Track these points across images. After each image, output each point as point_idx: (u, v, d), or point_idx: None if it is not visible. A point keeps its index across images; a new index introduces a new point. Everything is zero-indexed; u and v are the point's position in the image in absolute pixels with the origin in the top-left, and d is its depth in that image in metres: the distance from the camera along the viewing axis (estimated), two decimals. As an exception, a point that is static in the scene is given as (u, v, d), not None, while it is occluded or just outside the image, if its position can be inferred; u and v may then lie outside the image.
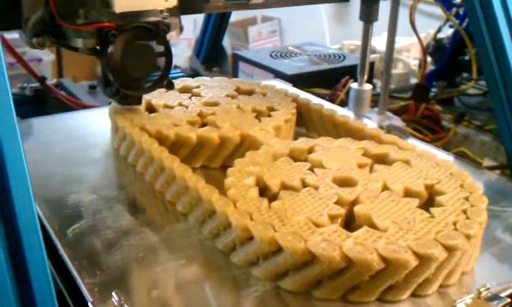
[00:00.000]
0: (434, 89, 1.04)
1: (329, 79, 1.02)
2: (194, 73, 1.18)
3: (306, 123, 0.69)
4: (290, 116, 0.65)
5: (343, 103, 0.88)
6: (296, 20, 2.23)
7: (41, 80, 0.83)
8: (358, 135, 0.61)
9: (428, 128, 0.95)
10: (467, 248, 0.41)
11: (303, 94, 0.74)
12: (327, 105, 0.68)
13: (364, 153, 0.54)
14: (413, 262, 0.38)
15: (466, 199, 0.46)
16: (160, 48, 0.61)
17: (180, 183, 0.49)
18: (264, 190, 0.48)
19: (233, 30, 2.37)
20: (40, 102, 0.93)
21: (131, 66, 0.59)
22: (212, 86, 0.72)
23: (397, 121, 0.84)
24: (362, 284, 0.39)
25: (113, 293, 0.38)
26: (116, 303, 0.37)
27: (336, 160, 0.53)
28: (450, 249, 0.40)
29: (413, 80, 1.12)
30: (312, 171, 0.50)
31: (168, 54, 0.61)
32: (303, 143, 0.56)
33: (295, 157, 0.54)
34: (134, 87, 0.60)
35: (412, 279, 0.39)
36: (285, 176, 0.49)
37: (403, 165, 0.52)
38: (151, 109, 0.65)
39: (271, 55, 1.17)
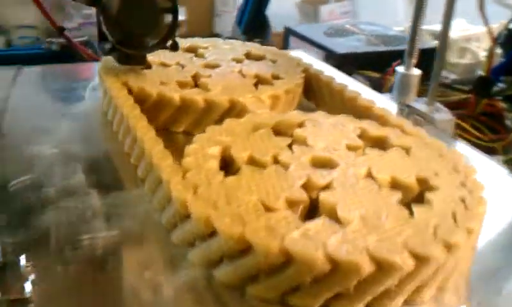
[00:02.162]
0: (500, 84, 0.92)
1: (383, 62, 0.93)
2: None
3: (316, 97, 0.62)
4: (293, 86, 0.58)
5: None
6: (372, 1, 2.12)
7: (61, 29, 0.81)
8: (365, 113, 0.53)
9: (488, 127, 0.85)
10: (446, 261, 0.34)
11: (320, 67, 0.66)
12: (361, 89, 0.60)
13: (361, 133, 0.47)
14: (368, 268, 0.31)
15: (463, 200, 0.38)
16: (167, 4, 0.56)
17: (139, 144, 0.44)
18: (229, 164, 0.43)
19: (304, 7, 2.28)
20: (67, 57, 0.91)
21: (128, 20, 0.54)
22: (221, 48, 0.67)
23: (447, 115, 0.73)
24: (304, 287, 0.32)
25: (22, 257, 0.34)
26: (22, 268, 0.33)
27: (325, 138, 0.45)
28: (420, 259, 0.32)
29: (481, 72, 1.01)
30: (291, 148, 0.44)
31: (174, 10, 0.56)
32: (293, 116, 0.49)
33: (281, 130, 0.48)
34: (133, 45, 0.56)
35: (366, 289, 0.32)
36: (257, 150, 0.43)
37: (401, 152, 0.44)
38: (146, 65, 0.60)
39: (325, 33, 1.09)
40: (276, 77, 0.59)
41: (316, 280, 0.32)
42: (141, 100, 0.52)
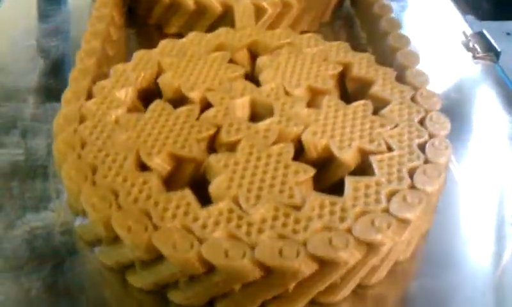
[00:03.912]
0: None
1: None
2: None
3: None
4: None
5: None
6: None
7: None
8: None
9: None
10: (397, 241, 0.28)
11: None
12: None
13: (342, 72, 0.38)
14: (309, 270, 0.26)
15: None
16: None
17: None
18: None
19: None
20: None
21: None
22: None
23: None
24: (234, 293, 0.27)
25: None
26: None
27: (288, 73, 0.37)
28: (369, 247, 0.26)
29: None
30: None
31: None
32: (273, 36, 0.41)
33: (256, 52, 0.40)
34: None
35: (308, 287, 0.26)
36: (188, 82, 0.36)
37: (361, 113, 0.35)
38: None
39: None
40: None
41: (248, 285, 0.26)
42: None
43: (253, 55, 0.41)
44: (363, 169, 0.31)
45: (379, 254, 0.27)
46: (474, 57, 0.46)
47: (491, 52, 0.46)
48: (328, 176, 0.32)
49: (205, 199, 0.29)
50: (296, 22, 0.48)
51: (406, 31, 0.43)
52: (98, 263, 0.30)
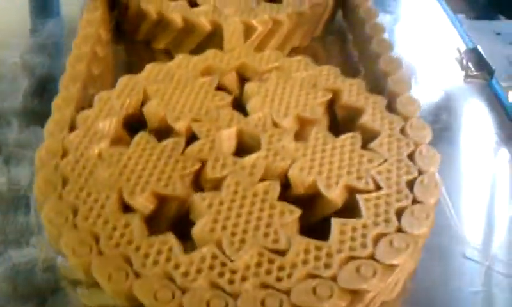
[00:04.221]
0: None
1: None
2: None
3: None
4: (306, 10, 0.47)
5: None
6: None
7: None
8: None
9: None
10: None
11: None
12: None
13: (331, 101, 0.37)
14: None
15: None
16: None
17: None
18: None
19: None
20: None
21: None
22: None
23: None
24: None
25: None
26: None
27: (276, 101, 0.36)
28: (352, 295, 0.26)
29: None
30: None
31: None
32: (261, 59, 0.40)
33: (245, 75, 0.40)
34: None
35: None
36: (173, 111, 0.35)
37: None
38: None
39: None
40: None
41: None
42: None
43: (242, 78, 0.40)
44: (350, 206, 0.31)
45: (364, 301, 0.27)
46: (467, 76, 0.46)
47: (485, 71, 0.46)
48: (314, 213, 0.31)
49: (188, 235, 0.29)
50: (286, 38, 0.47)
51: (398, 46, 0.42)
52: (81, 303, 0.29)
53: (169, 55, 0.47)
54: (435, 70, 0.47)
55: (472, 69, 0.46)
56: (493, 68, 0.46)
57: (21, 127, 0.40)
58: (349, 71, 0.46)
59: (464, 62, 0.46)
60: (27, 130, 0.39)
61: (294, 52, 0.48)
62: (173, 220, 0.31)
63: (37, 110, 0.41)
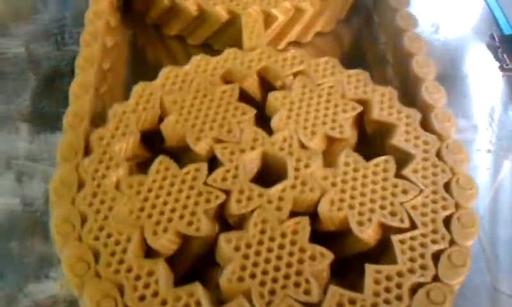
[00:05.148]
0: None
1: None
2: None
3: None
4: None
5: None
6: None
7: None
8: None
9: None
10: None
11: None
12: None
13: (360, 114, 0.34)
14: None
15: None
16: None
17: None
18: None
19: None
20: None
21: None
22: None
23: None
24: None
25: None
26: None
27: (302, 115, 0.34)
28: None
29: None
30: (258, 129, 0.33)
31: None
32: (285, 61, 0.37)
33: (267, 79, 0.37)
34: None
35: None
36: (193, 130, 0.33)
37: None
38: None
39: None
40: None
41: None
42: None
43: (264, 81, 0.38)
44: (382, 242, 0.29)
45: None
46: (502, 69, 0.43)
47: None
48: (344, 249, 0.30)
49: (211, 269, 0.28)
50: (310, 24, 0.44)
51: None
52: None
53: (182, 40, 0.45)
54: (466, 60, 0.44)
55: (508, 61, 0.43)
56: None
57: (31, 134, 0.38)
58: (376, 57, 0.44)
59: (499, 53, 0.43)
60: (37, 139, 0.37)
61: (317, 36, 0.45)
62: (196, 257, 0.30)
63: (47, 114, 0.39)
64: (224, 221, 0.31)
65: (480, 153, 0.39)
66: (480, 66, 0.43)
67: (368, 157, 0.32)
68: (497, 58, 0.43)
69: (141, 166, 0.34)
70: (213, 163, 0.32)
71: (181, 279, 0.28)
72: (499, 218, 0.36)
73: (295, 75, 0.37)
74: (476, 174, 0.36)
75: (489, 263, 0.33)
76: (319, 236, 0.29)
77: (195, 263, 0.30)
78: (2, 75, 0.41)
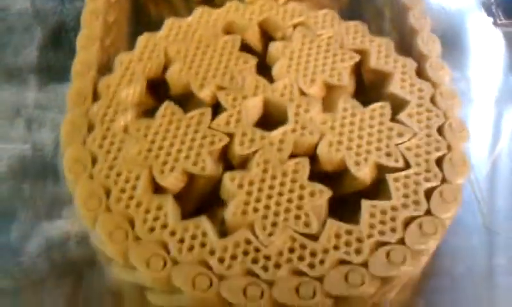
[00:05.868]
0: None
1: None
2: None
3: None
4: None
5: None
6: None
7: None
8: None
9: None
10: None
11: None
12: None
13: (358, 63, 0.36)
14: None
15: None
16: None
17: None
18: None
19: None
20: None
21: None
22: None
23: None
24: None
25: None
26: None
27: (302, 64, 0.35)
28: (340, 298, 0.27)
29: None
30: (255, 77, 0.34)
31: None
32: (285, 13, 0.38)
33: (267, 30, 0.38)
34: None
35: None
36: (196, 77, 0.34)
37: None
38: None
39: None
40: None
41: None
42: None
43: (264, 32, 0.39)
44: (378, 182, 0.31)
45: (393, 283, 0.28)
46: (495, 24, 0.44)
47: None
48: (342, 188, 0.31)
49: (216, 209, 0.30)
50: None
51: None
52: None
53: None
54: (459, 15, 0.45)
55: (501, 17, 0.44)
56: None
57: (39, 85, 0.39)
58: (375, 11, 0.45)
59: (493, 9, 0.44)
60: (45, 89, 0.39)
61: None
62: (202, 195, 0.31)
63: (54, 65, 0.40)
64: (228, 164, 0.32)
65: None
66: (475, 22, 0.45)
67: (365, 105, 0.34)
68: (491, 14, 0.44)
69: (147, 115, 0.35)
70: (216, 110, 0.34)
71: (188, 216, 0.30)
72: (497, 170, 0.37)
73: (295, 26, 0.38)
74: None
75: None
76: (318, 177, 0.31)
77: (201, 202, 0.32)
78: (9, 29, 0.42)
